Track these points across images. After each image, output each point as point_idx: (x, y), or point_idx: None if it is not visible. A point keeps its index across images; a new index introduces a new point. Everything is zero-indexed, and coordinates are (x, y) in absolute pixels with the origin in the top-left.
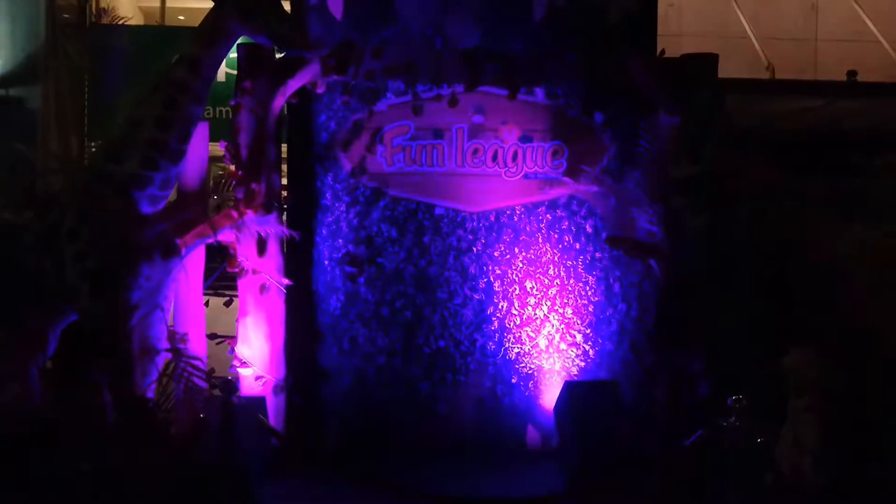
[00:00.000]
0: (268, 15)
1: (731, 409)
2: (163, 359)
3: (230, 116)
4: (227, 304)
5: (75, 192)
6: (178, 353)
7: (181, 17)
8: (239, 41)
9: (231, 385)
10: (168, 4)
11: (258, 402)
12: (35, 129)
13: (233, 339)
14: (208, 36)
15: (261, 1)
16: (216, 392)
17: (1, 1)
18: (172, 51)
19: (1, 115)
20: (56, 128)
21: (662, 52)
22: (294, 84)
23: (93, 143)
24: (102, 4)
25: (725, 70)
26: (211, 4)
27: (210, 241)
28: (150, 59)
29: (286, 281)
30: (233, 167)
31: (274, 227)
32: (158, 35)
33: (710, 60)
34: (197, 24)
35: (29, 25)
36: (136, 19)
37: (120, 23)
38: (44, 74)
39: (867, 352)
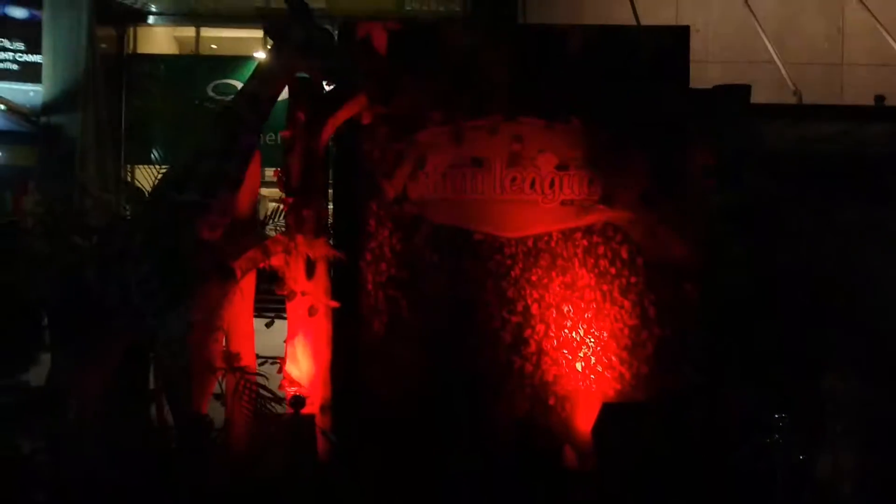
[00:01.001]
0: (325, 54)
1: (775, 428)
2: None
3: (271, 142)
4: (269, 324)
5: (141, 218)
6: (241, 371)
7: (214, 46)
8: None
9: (301, 401)
10: (202, 34)
11: (311, 420)
12: (74, 155)
13: (277, 359)
14: (267, 74)
15: (319, 42)
16: (275, 409)
17: (45, 34)
18: (206, 78)
19: (43, 142)
20: (94, 153)
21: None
22: (342, 115)
23: (128, 167)
24: (140, 36)
25: (752, 95)
26: (242, 34)
27: (262, 264)
28: (184, 86)
29: (334, 303)
30: (283, 194)
31: (323, 251)
32: (193, 63)
33: (742, 91)
34: (228, 53)
35: (70, 57)
36: (171, 48)
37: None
38: (84, 102)
39: None
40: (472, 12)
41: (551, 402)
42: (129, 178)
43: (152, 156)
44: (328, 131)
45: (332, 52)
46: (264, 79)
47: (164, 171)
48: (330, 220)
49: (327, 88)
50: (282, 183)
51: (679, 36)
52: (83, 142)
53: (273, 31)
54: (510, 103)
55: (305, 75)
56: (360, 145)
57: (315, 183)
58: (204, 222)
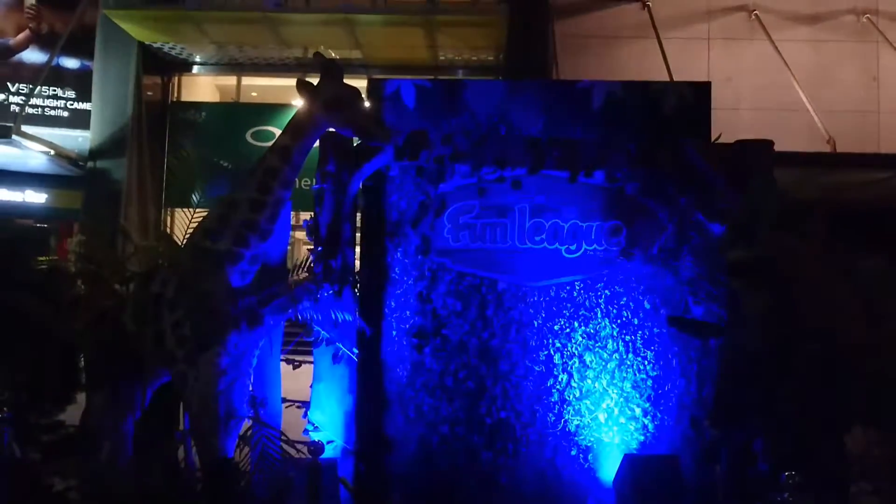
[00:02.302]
0: (354, 111)
1: (785, 486)
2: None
3: (306, 186)
4: (296, 367)
5: (176, 265)
6: (255, 418)
7: (254, 94)
8: None
9: (320, 448)
10: (243, 82)
11: (332, 466)
12: (119, 199)
13: (303, 403)
14: (299, 128)
15: (347, 98)
16: (293, 455)
17: (95, 83)
18: (245, 124)
19: (89, 186)
20: (137, 197)
21: (718, 137)
22: (369, 168)
23: (168, 210)
24: (183, 84)
25: (785, 143)
26: (280, 82)
27: (290, 313)
28: (225, 132)
29: (357, 351)
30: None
31: (348, 308)
32: (234, 110)
33: (765, 146)
34: (267, 101)
35: (118, 104)
36: (213, 96)
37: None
38: (129, 148)
39: None
40: (504, 63)
41: (574, 452)
42: (168, 222)
43: (192, 199)
44: (356, 183)
45: (362, 110)
46: (296, 133)
47: (197, 215)
48: (356, 269)
49: (357, 143)
50: (311, 232)
51: (701, 91)
52: (127, 185)
53: (304, 88)
54: (534, 157)
55: (336, 131)
56: (387, 196)
57: (343, 233)
58: (235, 270)
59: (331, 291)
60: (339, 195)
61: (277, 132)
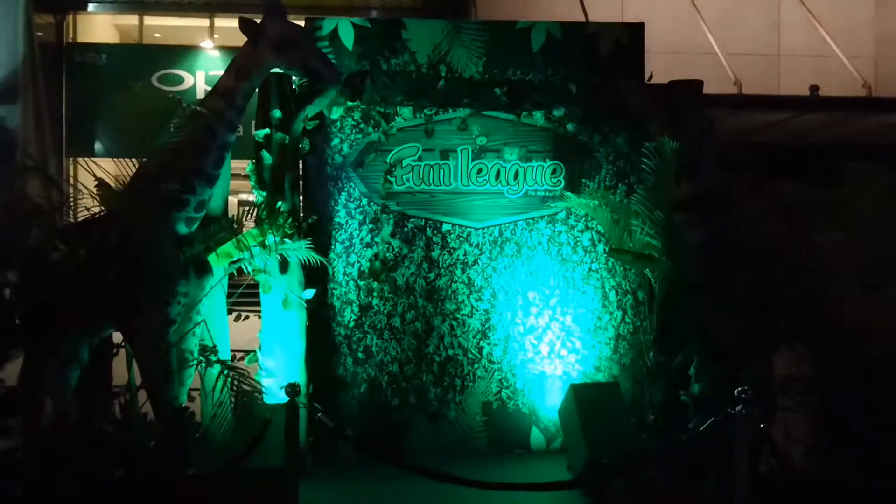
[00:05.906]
0: (303, 51)
1: (739, 399)
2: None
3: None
4: (238, 318)
5: (118, 214)
6: (224, 363)
7: (157, 35)
8: None
9: (297, 387)
10: (145, 22)
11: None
12: (14, 148)
13: (245, 352)
14: (243, 69)
15: (296, 38)
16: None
17: None
18: (151, 68)
19: None
20: (35, 146)
21: (650, 76)
22: (312, 110)
23: (70, 160)
24: (79, 24)
25: None
26: (186, 22)
27: (237, 259)
28: (127, 76)
29: (307, 294)
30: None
31: (299, 251)
32: (135, 52)
33: (695, 86)
34: (172, 42)
35: (6, 46)
36: (112, 37)
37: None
38: (23, 93)
39: (852, 349)
40: (422, 4)
41: (519, 385)
42: (71, 171)
43: (95, 148)
44: (298, 126)
45: (309, 49)
46: (239, 74)
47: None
48: (301, 214)
49: (297, 83)
50: (255, 178)
51: (635, 32)
52: (23, 134)
53: (248, 27)
54: (477, 98)
55: (278, 70)
56: (329, 139)
57: (287, 177)
58: (181, 217)
59: (278, 237)
60: (282, 139)
61: (186, 76)
